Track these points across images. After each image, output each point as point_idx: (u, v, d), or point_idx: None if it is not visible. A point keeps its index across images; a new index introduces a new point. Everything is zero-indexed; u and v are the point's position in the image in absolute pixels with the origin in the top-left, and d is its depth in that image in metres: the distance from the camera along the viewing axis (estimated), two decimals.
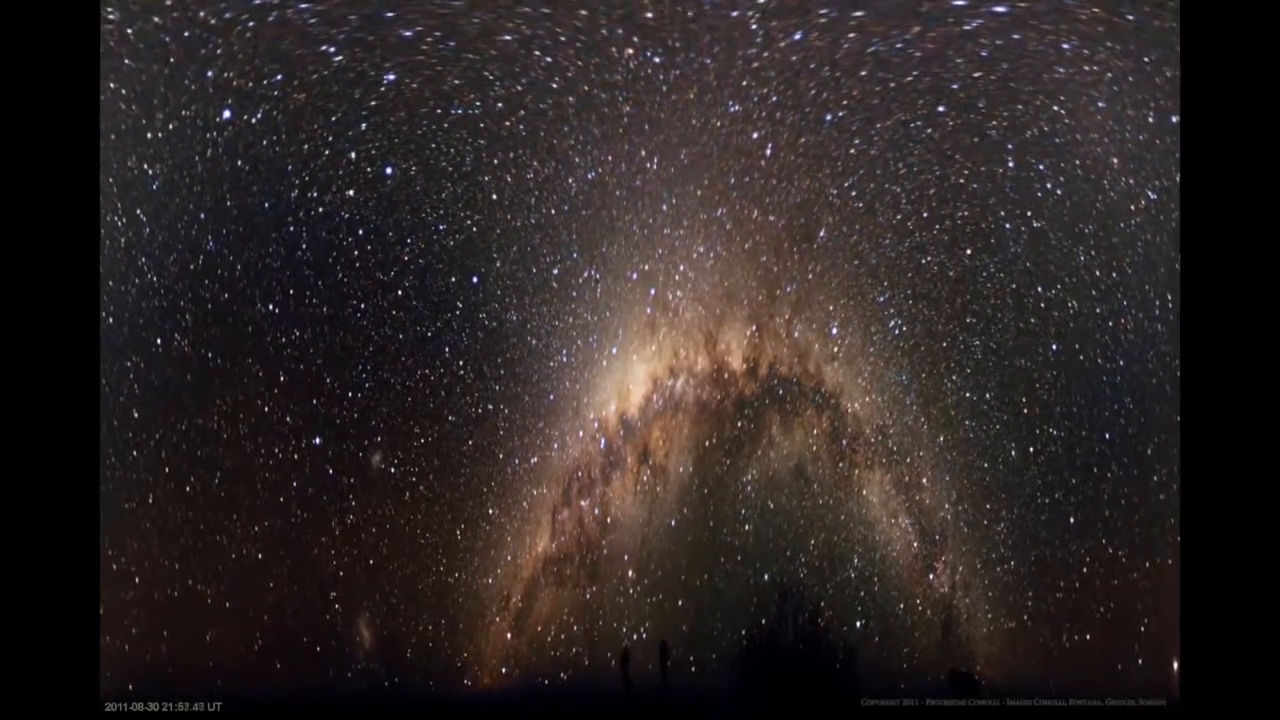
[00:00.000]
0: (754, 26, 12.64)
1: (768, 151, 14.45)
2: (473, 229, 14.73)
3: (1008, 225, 14.60)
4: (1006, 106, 13.46)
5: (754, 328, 15.69)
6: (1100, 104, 12.97)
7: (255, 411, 14.22)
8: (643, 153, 14.34)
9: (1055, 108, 13.27)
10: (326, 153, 13.51)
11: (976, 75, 13.29)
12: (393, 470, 14.71)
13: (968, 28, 12.56)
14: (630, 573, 15.19)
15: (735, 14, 12.33)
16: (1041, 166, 13.92)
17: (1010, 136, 13.83)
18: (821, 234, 15.13)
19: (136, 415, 13.33)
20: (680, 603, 15.85)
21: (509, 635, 15.57)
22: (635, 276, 15.10)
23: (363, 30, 12.71)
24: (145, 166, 12.65)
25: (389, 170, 14.10)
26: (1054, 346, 15.17)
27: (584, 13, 12.69)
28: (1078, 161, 13.85)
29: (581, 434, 15.49)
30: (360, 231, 14.24)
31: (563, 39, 13.14)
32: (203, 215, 13.26)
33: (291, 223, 13.79)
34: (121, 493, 13.23)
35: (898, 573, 16.18)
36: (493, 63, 13.11)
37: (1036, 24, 12.24)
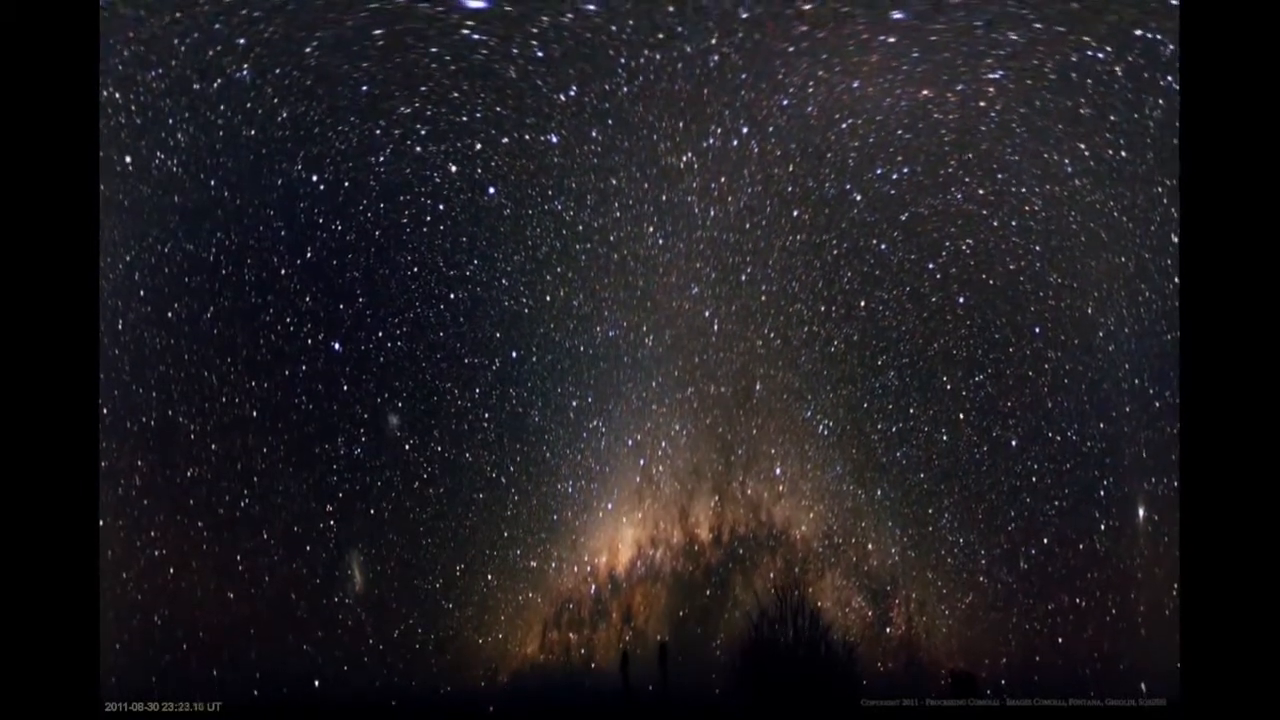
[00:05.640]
0: (695, 211, 13.25)
1: (714, 327, 14.47)
2: (525, 310, 13.41)
3: (882, 246, 13.31)
4: (820, 166, 12.51)
5: (716, 498, 15.00)
6: (856, 85, 11.35)
7: (266, 265, 11.13)
8: (644, 327, 14.04)
9: (844, 124, 11.95)
10: (464, 119, 11.39)
11: (791, 169, 12.72)
12: (407, 448, 12.42)
13: (756, 147, 12.02)
14: None
15: (690, 198, 12.98)
16: (878, 170, 12.64)
17: (840, 180, 12.76)
18: (757, 388, 14.67)
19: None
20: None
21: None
22: (631, 444, 14.36)
23: (615, 92, 11.13)
24: None
25: (492, 191, 12.21)
26: (961, 300, 13.10)
27: (663, 184, 12.37)
28: (900, 132, 12.15)
29: (576, 570, 14.07)
30: (441, 207, 11.99)
31: (630, 200, 12.71)
32: (243, 41, 10.09)
33: (381, 131, 10.98)
34: None
35: (859, 653, 13.08)
36: (600, 190, 12.31)
37: (740, 99, 11.37)
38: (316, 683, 10.67)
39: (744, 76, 12.03)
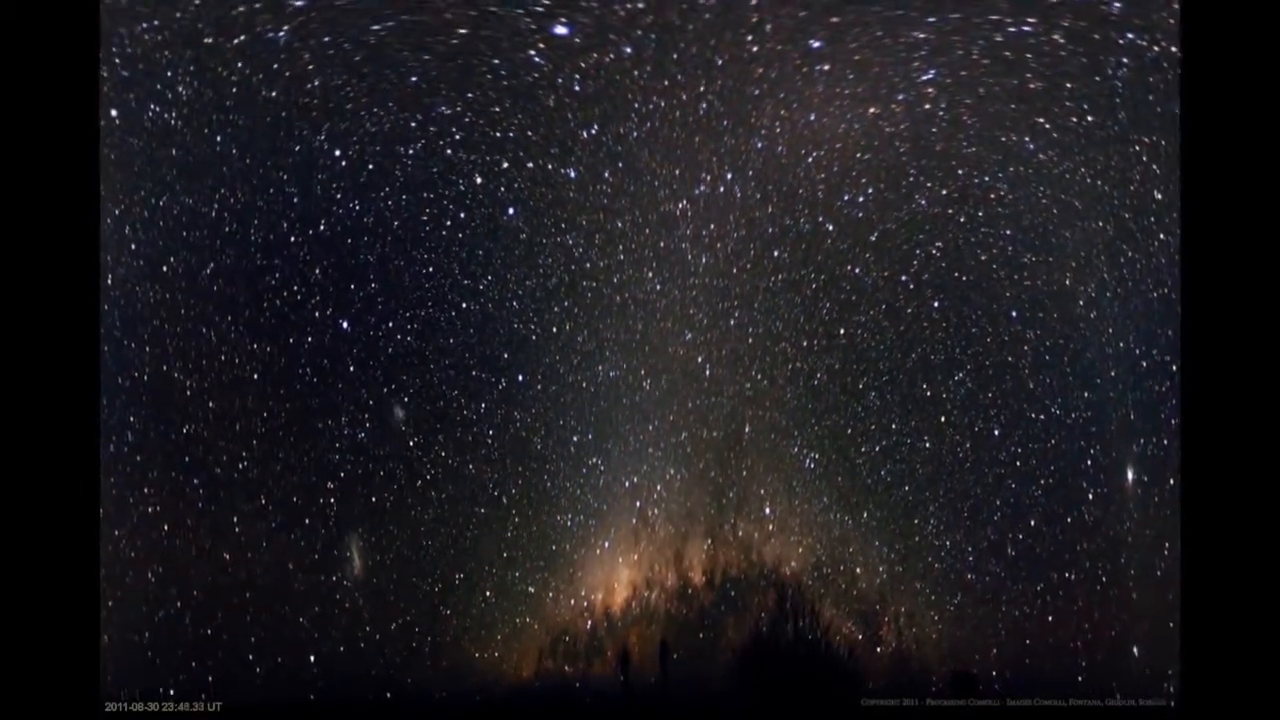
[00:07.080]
0: (689, 258, 13.24)
1: (707, 372, 14.34)
2: (532, 337, 12.96)
3: (856, 270, 12.94)
4: (795, 203, 12.12)
5: (709, 541, 14.69)
6: (812, 117, 11.08)
7: (274, 228, 10.16)
8: (643, 371, 13.78)
9: (810, 158, 11.85)
10: (498, 134, 10.89)
11: (770, 210, 12.61)
12: (412, 444, 11.76)
13: (741, 193, 11.88)
14: None
15: (684, 244, 12.98)
16: (845, 197, 12.31)
17: (814, 213, 12.37)
18: (747, 429, 14.32)
19: None
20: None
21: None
22: (628, 485, 14.04)
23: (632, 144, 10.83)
24: None
25: (511, 211, 11.66)
26: (935, 304, 12.48)
27: (661, 230, 11.86)
28: (859, 154, 11.74)
29: (573, 603, 13.58)
30: (462, 215, 11.39)
31: (633, 244, 12.22)
32: (300, 3, 9.06)
33: (417, 126, 10.24)
34: None
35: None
36: (607, 230, 12.00)
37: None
38: (312, 658, 9.31)
39: (725, 123, 12.31)
